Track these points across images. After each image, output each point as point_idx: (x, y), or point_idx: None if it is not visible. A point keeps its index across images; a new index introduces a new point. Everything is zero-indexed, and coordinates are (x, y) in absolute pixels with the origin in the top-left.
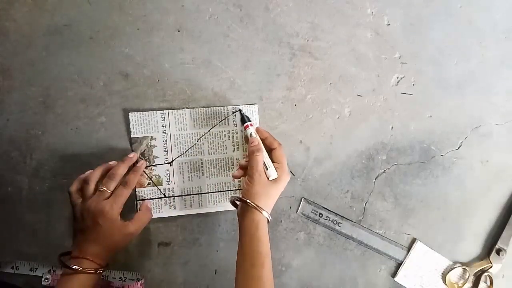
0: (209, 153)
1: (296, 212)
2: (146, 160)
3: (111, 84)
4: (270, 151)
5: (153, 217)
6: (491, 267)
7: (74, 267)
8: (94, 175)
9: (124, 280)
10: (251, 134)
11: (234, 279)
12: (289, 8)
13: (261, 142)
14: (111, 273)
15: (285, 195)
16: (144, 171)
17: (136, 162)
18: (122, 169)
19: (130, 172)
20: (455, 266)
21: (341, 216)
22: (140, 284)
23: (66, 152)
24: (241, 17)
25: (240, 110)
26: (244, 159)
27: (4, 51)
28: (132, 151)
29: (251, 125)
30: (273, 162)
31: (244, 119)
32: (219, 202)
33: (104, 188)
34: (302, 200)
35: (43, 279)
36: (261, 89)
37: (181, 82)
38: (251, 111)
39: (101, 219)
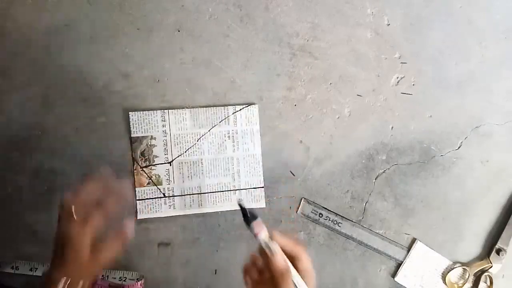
0: (209, 153)
1: (296, 212)
2: (146, 159)
3: (111, 84)
4: (293, 259)
5: (153, 217)
6: (491, 267)
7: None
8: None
9: (124, 280)
10: (267, 245)
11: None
12: (289, 8)
13: (285, 257)
14: (111, 273)
15: (285, 195)
16: (144, 170)
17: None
18: (101, 190)
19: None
20: (455, 266)
21: (341, 216)
22: (140, 284)
23: (66, 152)
24: (241, 17)
25: (240, 205)
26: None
27: (4, 51)
28: (132, 150)
29: (261, 228)
30: (298, 271)
31: (248, 218)
32: (218, 202)
33: (79, 212)
34: (302, 200)
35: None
36: (261, 89)
37: (181, 82)
38: (252, 112)
39: (73, 242)
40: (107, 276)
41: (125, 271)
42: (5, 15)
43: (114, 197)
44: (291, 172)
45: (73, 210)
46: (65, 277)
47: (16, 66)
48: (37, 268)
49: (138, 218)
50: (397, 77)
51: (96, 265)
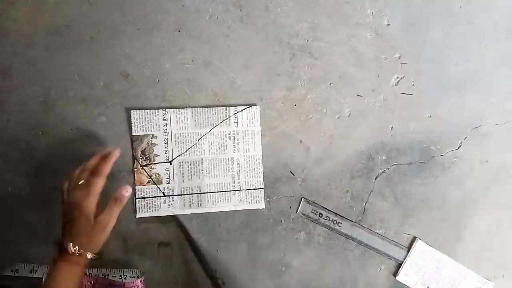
0: (209, 153)
1: (296, 212)
2: (146, 158)
3: (111, 84)
4: None
5: (151, 216)
6: None
7: (73, 250)
8: (76, 172)
9: (125, 278)
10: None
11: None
12: (289, 8)
13: None
14: (111, 272)
15: (285, 195)
16: (144, 169)
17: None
18: (93, 161)
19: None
20: None
21: (341, 216)
22: (141, 281)
23: (66, 152)
24: (241, 17)
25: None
26: None
27: (4, 51)
28: (133, 149)
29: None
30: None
31: None
32: (218, 202)
33: (82, 182)
34: (302, 200)
35: (43, 280)
36: (261, 89)
37: (181, 82)
38: (253, 113)
39: (78, 210)
40: (108, 274)
41: (125, 269)
42: (5, 15)
43: (107, 163)
44: (291, 172)
45: (75, 177)
46: (72, 243)
47: (16, 66)
48: (36, 270)
49: (137, 216)
50: (397, 77)
51: (100, 229)
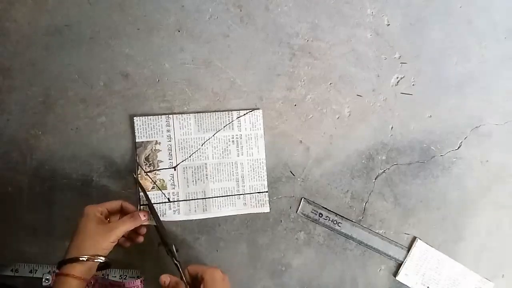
0: (213, 157)
1: (296, 212)
2: (150, 164)
3: (111, 84)
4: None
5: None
6: None
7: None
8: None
9: (125, 278)
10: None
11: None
12: (289, 8)
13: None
14: (111, 272)
15: (285, 195)
16: (148, 175)
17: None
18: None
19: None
20: None
21: (341, 216)
22: (141, 281)
23: (66, 152)
24: (241, 17)
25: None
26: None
27: (5, 51)
28: (137, 155)
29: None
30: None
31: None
32: (223, 206)
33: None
34: (302, 200)
35: (43, 279)
36: (261, 89)
37: (181, 82)
38: (256, 116)
39: (81, 216)
40: (107, 274)
41: (125, 269)
42: (6, 15)
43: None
44: (291, 172)
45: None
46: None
47: (16, 66)
48: (36, 270)
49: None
50: (397, 77)
51: (105, 231)
